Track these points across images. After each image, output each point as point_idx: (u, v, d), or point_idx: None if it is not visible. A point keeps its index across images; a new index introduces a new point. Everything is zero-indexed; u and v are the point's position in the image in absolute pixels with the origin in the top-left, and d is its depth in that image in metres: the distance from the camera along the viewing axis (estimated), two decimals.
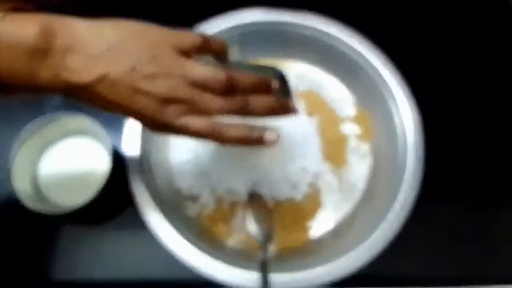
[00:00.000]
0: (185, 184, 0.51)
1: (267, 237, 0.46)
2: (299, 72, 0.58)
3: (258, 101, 0.35)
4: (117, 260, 0.47)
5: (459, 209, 0.50)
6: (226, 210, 0.50)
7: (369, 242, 0.44)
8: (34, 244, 0.48)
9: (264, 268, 0.41)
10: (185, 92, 0.32)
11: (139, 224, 0.48)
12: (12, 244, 0.48)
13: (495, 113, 0.56)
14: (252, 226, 0.47)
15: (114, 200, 0.48)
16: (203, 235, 0.48)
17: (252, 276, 0.42)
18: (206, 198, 0.50)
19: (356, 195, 0.52)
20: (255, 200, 0.49)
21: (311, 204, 0.51)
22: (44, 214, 0.43)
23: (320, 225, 0.50)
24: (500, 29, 0.61)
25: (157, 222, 0.45)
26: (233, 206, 0.50)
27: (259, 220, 0.47)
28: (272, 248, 0.47)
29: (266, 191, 0.50)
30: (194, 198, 0.50)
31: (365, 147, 0.54)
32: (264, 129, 0.36)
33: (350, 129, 0.55)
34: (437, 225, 0.49)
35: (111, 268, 0.47)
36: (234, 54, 0.57)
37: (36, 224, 0.48)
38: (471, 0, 0.63)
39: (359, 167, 0.53)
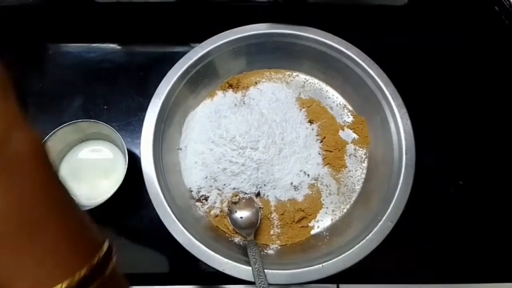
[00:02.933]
0: (194, 186, 0.54)
1: (249, 232, 0.50)
2: (302, 82, 0.62)
3: None
4: (132, 255, 0.50)
5: (449, 211, 0.54)
6: None
7: (365, 241, 0.47)
8: None
9: (254, 262, 0.45)
10: None
11: (153, 223, 0.51)
12: None
13: (480, 120, 0.59)
14: (235, 221, 0.52)
15: (130, 200, 0.52)
16: (211, 232, 0.52)
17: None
18: (214, 199, 0.54)
19: (354, 197, 0.55)
20: (242, 200, 0.53)
21: (312, 205, 0.54)
22: None
23: (320, 224, 0.54)
24: (489, 44, 0.65)
25: (169, 221, 0.48)
26: None
27: (243, 216, 0.52)
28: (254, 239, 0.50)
29: (270, 193, 0.54)
30: (202, 199, 0.54)
31: (362, 152, 0.58)
32: None
33: (348, 135, 0.59)
34: (428, 225, 0.52)
35: (126, 263, 0.50)
36: (241, 65, 0.62)
37: None
38: (460, 19, 0.66)
39: (356, 171, 0.57)
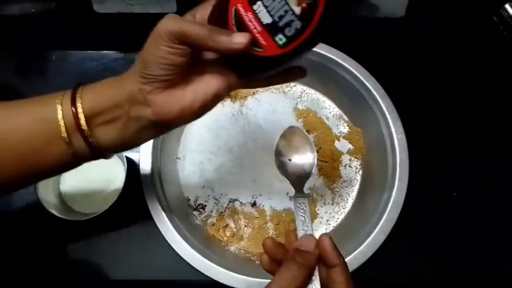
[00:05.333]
0: (192, 195, 0.56)
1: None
2: (299, 92, 0.63)
3: None
4: (130, 263, 0.52)
5: (443, 224, 0.54)
6: (228, 220, 0.55)
7: (358, 253, 0.48)
8: (56, 247, 0.53)
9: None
10: None
11: (151, 231, 0.52)
12: (36, 247, 0.53)
13: (475, 133, 0.59)
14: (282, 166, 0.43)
15: (129, 209, 0.53)
16: (207, 241, 0.53)
17: (251, 281, 0.47)
18: (210, 208, 0.55)
19: (348, 207, 0.56)
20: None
21: None
22: (66, 221, 0.48)
23: (314, 234, 0.54)
24: (487, 56, 0.65)
25: (166, 229, 0.50)
26: (235, 215, 0.55)
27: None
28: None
29: (266, 203, 0.55)
30: (200, 208, 0.55)
31: (357, 163, 0.59)
32: None
33: (344, 145, 0.60)
34: (420, 236, 0.53)
35: (125, 270, 0.51)
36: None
37: (58, 230, 0.53)
38: (458, 30, 0.66)
39: (351, 181, 0.58)
